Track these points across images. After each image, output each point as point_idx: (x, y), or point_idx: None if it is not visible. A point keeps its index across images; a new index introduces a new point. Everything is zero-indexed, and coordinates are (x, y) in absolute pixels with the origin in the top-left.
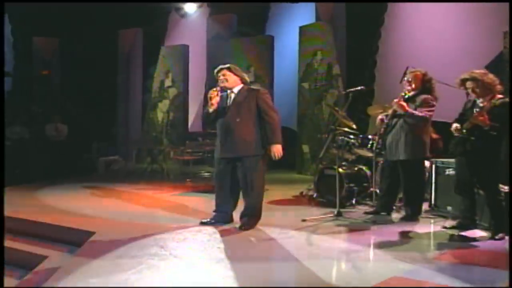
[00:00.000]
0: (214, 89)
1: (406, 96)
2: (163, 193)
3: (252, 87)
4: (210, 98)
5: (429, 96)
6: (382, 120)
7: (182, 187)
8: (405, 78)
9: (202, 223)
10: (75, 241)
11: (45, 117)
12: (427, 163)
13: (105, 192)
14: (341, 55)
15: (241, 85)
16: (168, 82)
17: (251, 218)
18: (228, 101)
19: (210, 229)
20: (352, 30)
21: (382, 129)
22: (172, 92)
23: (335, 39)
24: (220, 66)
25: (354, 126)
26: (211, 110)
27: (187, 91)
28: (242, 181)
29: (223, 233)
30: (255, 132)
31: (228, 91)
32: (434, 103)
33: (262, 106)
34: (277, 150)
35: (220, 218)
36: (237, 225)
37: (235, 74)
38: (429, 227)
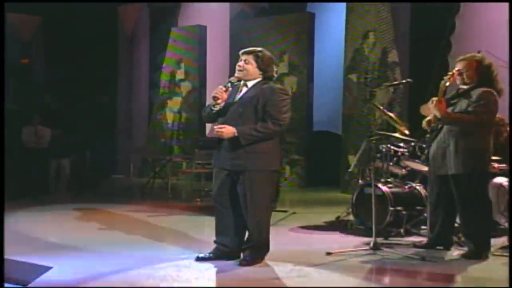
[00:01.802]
0: (223, 85)
1: (450, 95)
2: (158, 214)
3: (271, 84)
4: (215, 98)
5: (489, 89)
6: (429, 122)
7: (188, 207)
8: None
9: (199, 259)
10: (23, 279)
11: (22, 118)
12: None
13: (85, 214)
14: (400, 37)
15: (259, 79)
16: (180, 74)
17: (254, 250)
18: (236, 96)
19: (202, 265)
20: (419, 2)
21: (429, 134)
22: (186, 87)
23: (394, 16)
24: (246, 49)
25: (406, 131)
26: (214, 109)
27: (205, 85)
28: (242, 201)
29: (218, 270)
30: (266, 141)
31: (241, 82)
32: (496, 97)
33: (269, 108)
34: (228, 131)
35: (221, 253)
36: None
37: (260, 65)
38: (502, 268)
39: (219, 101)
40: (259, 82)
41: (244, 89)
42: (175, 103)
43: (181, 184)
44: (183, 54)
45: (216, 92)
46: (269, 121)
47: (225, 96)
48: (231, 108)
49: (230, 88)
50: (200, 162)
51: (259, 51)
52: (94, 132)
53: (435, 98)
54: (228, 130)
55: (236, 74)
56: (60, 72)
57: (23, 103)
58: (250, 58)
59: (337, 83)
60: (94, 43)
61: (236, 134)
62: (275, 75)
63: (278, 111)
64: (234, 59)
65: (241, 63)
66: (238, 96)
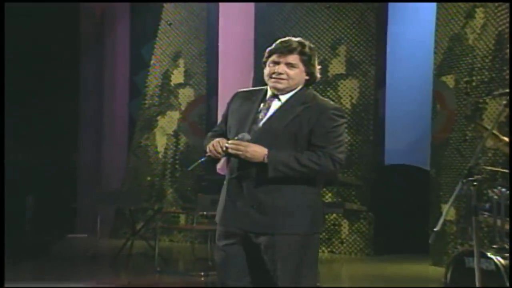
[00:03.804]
0: (230, 142)
1: None
2: None
3: (318, 98)
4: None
5: None
6: None
7: (186, 286)
8: None
9: None
10: None
11: None
12: None
13: None
14: None
15: (300, 88)
16: (177, 76)
17: None
18: (260, 115)
19: None
20: None
21: None
22: (186, 95)
23: None
24: (285, 44)
25: None
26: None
27: (216, 93)
28: (267, 278)
29: None
30: (303, 187)
31: (268, 92)
32: None
33: (318, 139)
34: (255, 151)
35: None
36: None
37: (309, 67)
38: None
39: (212, 155)
40: (297, 92)
41: (274, 106)
42: (169, 121)
43: (176, 248)
44: (182, 44)
45: (213, 146)
46: (321, 154)
47: (219, 154)
48: (256, 134)
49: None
50: (205, 213)
51: (303, 44)
52: (43, 166)
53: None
54: (255, 150)
55: (273, 85)
56: None
57: None
58: (296, 58)
59: (422, 90)
60: (45, 32)
61: (265, 159)
62: (319, 76)
63: (333, 144)
64: (261, 51)
65: (281, 67)
66: (265, 116)
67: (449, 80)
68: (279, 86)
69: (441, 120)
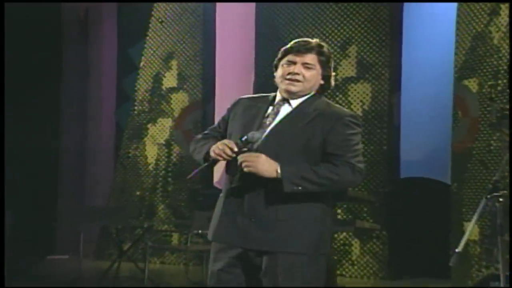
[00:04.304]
0: (239, 140)
1: None
2: None
3: (332, 105)
4: (216, 156)
5: None
6: None
7: None
8: None
9: None
10: None
11: None
12: None
13: None
14: None
15: (313, 94)
16: (170, 79)
17: None
18: (268, 120)
19: None
20: None
21: None
22: (180, 100)
23: None
24: (303, 43)
25: None
26: (203, 164)
27: (212, 98)
28: None
29: None
30: (311, 200)
31: (276, 97)
32: None
33: (334, 147)
34: (263, 165)
35: None
36: None
37: (326, 69)
38: None
39: (220, 158)
40: (309, 98)
41: (284, 111)
42: (160, 129)
43: (168, 271)
44: (175, 44)
45: (223, 149)
46: (338, 164)
47: (229, 157)
48: (261, 144)
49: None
50: (201, 232)
51: (321, 44)
52: (19, 179)
53: None
54: (264, 163)
55: (287, 87)
56: None
57: None
58: (314, 58)
59: (441, 95)
60: (22, 30)
61: (278, 174)
62: (333, 83)
63: (351, 152)
64: (263, 52)
65: (297, 67)
66: (273, 121)
67: (472, 84)
68: (293, 88)
69: (463, 129)
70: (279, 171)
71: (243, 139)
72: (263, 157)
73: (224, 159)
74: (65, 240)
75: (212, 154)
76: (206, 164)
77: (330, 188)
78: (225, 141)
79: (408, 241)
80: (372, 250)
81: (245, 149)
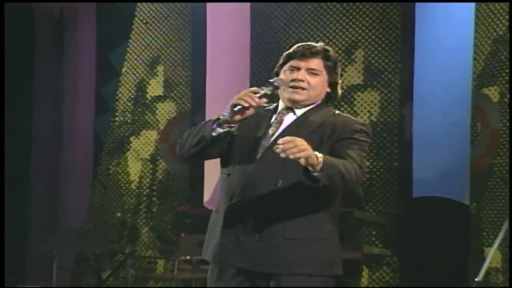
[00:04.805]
0: (260, 88)
1: None
2: None
3: (338, 113)
4: (238, 106)
5: None
6: None
7: None
8: None
9: None
10: None
11: None
12: None
13: None
14: None
15: (319, 103)
16: (155, 87)
17: None
18: (271, 130)
19: None
20: None
21: None
22: (166, 110)
23: None
24: (309, 47)
25: None
26: (220, 129)
27: (203, 108)
28: None
29: None
30: (320, 215)
31: (279, 106)
32: None
33: (344, 148)
34: (303, 146)
35: None
36: None
37: (332, 75)
38: None
39: (246, 111)
40: (316, 107)
41: (288, 120)
42: (144, 143)
43: None
44: (161, 48)
45: (244, 95)
46: (350, 162)
47: (257, 105)
48: (266, 151)
49: (264, 101)
50: (189, 258)
51: (327, 48)
52: None
53: None
54: (303, 145)
55: (290, 96)
56: None
57: None
58: (320, 63)
59: (458, 105)
60: None
61: (319, 160)
62: (340, 92)
63: (358, 156)
64: (258, 57)
65: (301, 74)
66: (277, 131)
67: (493, 92)
68: (298, 97)
69: (482, 142)
70: (319, 159)
71: (268, 87)
72: (299, 140)
73: (250, 105)
74: (37, 267)
75: (232, 107)
76: (217, 129)
77: (343, 183)
78: (245, 90)
79: (422, 268)
80: (381, 278)
81: (269, 92)
